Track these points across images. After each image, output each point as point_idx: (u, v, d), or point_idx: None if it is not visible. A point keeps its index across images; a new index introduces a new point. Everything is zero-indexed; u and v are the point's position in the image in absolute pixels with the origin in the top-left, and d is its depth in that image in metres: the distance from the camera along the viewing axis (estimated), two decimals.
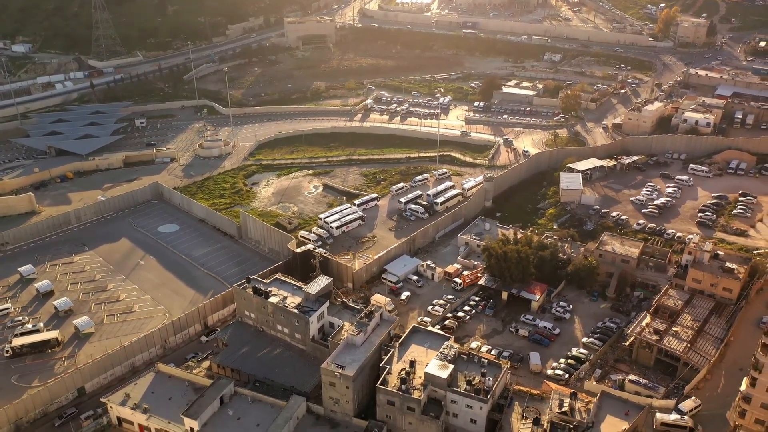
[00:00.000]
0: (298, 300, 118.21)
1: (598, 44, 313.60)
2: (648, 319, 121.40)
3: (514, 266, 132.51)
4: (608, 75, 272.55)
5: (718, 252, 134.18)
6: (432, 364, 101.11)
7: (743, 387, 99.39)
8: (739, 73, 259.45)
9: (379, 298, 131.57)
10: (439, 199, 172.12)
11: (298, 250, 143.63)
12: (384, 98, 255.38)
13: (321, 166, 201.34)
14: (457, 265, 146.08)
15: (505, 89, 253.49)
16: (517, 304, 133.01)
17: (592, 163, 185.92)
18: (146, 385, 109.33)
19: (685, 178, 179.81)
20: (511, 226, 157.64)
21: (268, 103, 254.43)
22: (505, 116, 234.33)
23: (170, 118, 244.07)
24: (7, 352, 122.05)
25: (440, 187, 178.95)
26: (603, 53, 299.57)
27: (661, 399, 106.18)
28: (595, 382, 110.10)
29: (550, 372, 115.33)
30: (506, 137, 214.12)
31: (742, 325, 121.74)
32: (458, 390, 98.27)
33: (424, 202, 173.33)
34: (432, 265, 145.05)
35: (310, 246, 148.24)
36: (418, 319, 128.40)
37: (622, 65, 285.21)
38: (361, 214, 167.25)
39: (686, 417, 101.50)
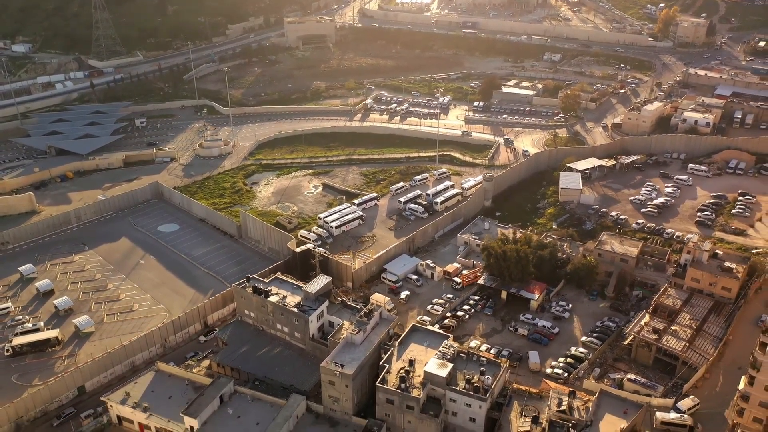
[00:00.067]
0: (297, 299, 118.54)
1: (597, 44, 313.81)
2: (647, 318, 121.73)
3: (513, 265, 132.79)
4: (608, 75, 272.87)
5: (717, 251, 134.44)
6: (431, 362, 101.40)
7: (741, 385, 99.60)
8: (739, 72, 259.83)
9: (378, 298, 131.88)
10: (439, 199, 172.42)
11: (298, 250, 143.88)
12: (384, 98, 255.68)
13: (321, 165, 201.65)
14: (456, 265, 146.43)
15: (504, 89, 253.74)
16: (516, 303, 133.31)
17: (592, 162, 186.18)
18: (146, 384, 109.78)
19: (684, 177, 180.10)
20: (510, 225, 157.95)
21: (268, 103, 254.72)
22: (504, 116, 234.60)
23: (170, 117, 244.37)
24: (8, 351, 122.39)
25: (440, 187, 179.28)
26: (603, 53, 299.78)
27: (659, 398, 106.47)
28: (594, 381, 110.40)
29: (549, 371, 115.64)
30: (507, 137, 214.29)
31: (740, 324, 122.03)
32: (457, 389, 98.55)
33: (424, 202, 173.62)
34: (431, 265, 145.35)
35: (309, 245, 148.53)
36: (418, 319, 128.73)
37: (622, 65, 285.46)
38: (361, 213, 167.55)
39: (686, 416, 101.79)
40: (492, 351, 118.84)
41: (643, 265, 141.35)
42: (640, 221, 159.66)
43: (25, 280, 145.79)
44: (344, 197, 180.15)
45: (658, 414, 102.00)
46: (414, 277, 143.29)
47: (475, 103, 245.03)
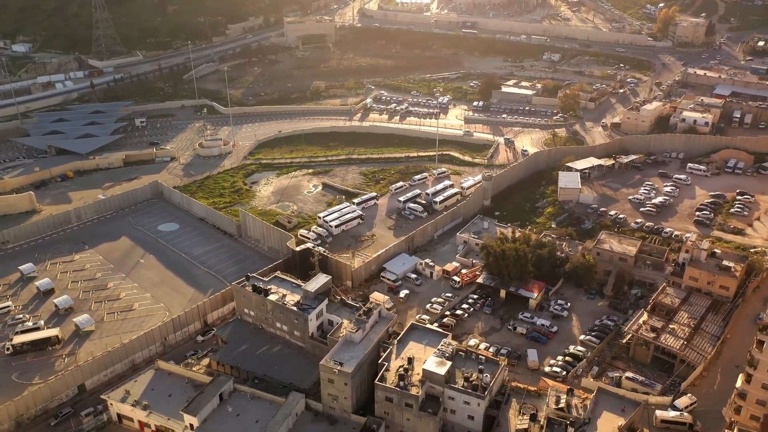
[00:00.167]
0: (297, 298, 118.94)
1: (597, 44, 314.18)
2: (645, 316, 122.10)
3: (512, 264, 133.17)
4: (607, 74, 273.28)
5: (715, 250, 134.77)
6: (430, 360, 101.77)
7: (739, 383, 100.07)
8: (738, 72, 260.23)
9: (377, 296, 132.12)
10: (438, 198, 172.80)
11: (298, 249, 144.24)
12: (383, 98, 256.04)
13: (320, 165, 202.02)
14: (455, 264, 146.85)
15: (504, 89, 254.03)
16: (515, 302, 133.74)
17: (591, 162, 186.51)
18: (146, 382, 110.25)
19: (683, 177, 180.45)
20: (509, 224, 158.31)
21: (268, 103, 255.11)
22: (504, 116, 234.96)
23: (170, 117, 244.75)
24: (8, 349, 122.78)
25: (439, 186, 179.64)
26: (602, 53, 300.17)
27: (657, 396, 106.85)
28: (592, 379, 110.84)
29: (547, 369, 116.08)
30: (507, 137, 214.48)
31: (738, 322, 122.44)
32: (456, 386, 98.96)
33: (423, 201, 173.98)
34: (431, 264, 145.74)
35: (309, 244, 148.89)
36: (417, 317, 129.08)
37: (621, 65, 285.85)
38: (360, 212, 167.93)
39: (686, 413, 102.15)
40: (491, 349, 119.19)
41: (642, 264, 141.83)
42: (639, 220, 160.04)
43: (25, 279, 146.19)
44: (344, 196, 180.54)
45: (658, 412, 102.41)
46: (413, 276, 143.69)
47: (475, 103, 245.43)
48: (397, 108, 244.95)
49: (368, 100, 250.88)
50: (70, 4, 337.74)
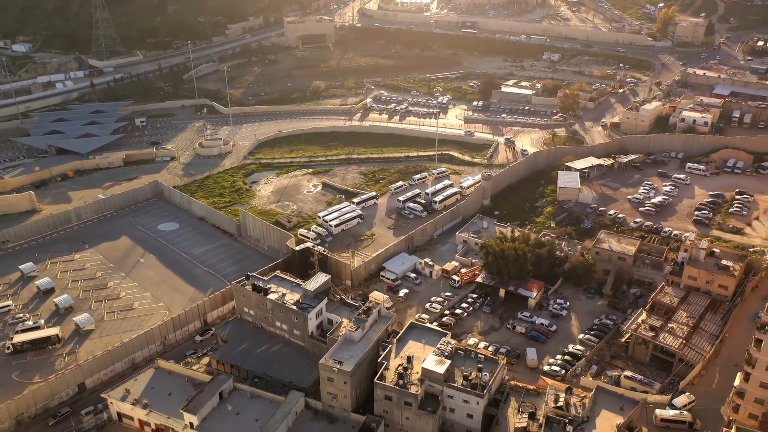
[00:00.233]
0: (296, 297, 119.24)
1: (596, 44, 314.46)
2: (644, 315, 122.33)
3: (511, 264, 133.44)
4: (607, 74, 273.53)
5: (714, 249, 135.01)
6: (429, 359, 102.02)
7: (737, 382, 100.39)
8: (737, 72, 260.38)
9: (377, 296, 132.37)
10: (438, 198, 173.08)
11: (297, 248, 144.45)
12: (383, 97, 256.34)
13: (320, 164, 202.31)
14: (455, 263, 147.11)
15: (503, 88, 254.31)
16: (514, 301, 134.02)
17: (590, 161, 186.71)
18: (146, 381, 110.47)
19: (682, 176, 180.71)
20: (508, 224, 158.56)
21: (268, 103, 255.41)
22: (503, 115, 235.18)
23: (170, 117, 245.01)
24: (8, 348, 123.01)
25: (439, 186, 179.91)
26: (602, 53, 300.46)
27: (656, 394, 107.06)
28: (591, 378, 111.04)
29: (546, 368, 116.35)
30: (508, 137, 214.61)
31: (737, 321, 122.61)
32: (455, 385, 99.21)
33: (423, 201, 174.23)
34: (430, 263, 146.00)
35: (309, 244, 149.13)
36: (416, 316, 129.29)
37: (621, 65, 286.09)
38: (360, 212, 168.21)
39: (685, 412, 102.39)
40: (490, 348, 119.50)
41: (641, 263, 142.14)
42: (638, 220, 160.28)
43: (25, 279, 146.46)
44: (343, 196, 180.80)
45: (658, 411, 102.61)
46: (413, 275, 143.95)
47: (474, 103, 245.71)
48: (397, 108, 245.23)
49: (368, 100, 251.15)
50: (70, 4, 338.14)
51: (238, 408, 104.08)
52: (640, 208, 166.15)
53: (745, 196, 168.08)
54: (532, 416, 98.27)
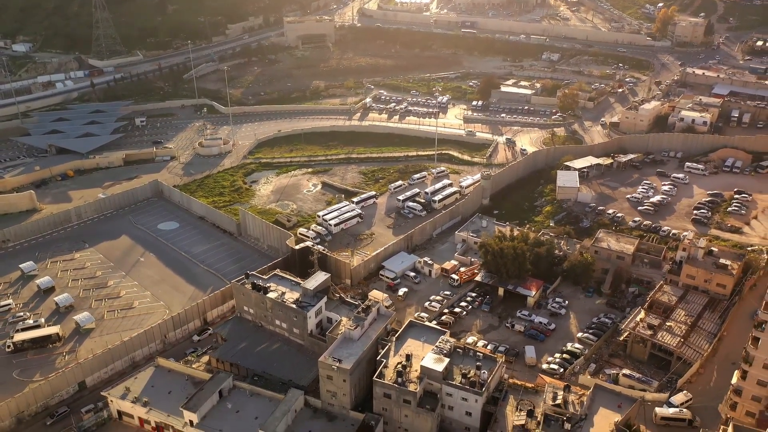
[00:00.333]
0: (296, 295, 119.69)
1: (596, 43, 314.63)
2: (642, 314, 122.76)
3: (510, 263, 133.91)
4: (606, 74, 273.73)
5: (713, 248, 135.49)
6: (428, 357, 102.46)
7: (734, 380, 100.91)
8: (736, 72, 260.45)
9: (376, 294, 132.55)
10: (437, 197, 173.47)
11: (297, 247, 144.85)
12: (383, 97, 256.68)
13: (320, 164, 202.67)
14: (454, 262, 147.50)
15: (503, 88, 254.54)
16: (513, 300, 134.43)
17: (589, 161, 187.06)
18: (146, 379, 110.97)
19: (681, 176, 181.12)
20: (508, 223, 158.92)
21: (268, 102, 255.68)
22: (503, 115, 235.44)
23: (170, 116, 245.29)
24: (9, 347, 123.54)
25: (438, 185, 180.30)
26: (601, 52, 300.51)
27: (654, 392, 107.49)
28: (589, 377, 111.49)
29: (545, 366, 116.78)
30: (509, 137, 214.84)
31: (735, 320, 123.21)
32: (454, 383, 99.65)
33: (422, 200, 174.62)
34: (429, 262, 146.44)
35: (308, 243, 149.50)
36: (415, 315, 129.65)
37: (620, 64, 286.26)
38: (360, 211, 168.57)
39: (685, 410, 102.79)
40: (488, 347, 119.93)
41: (639, 262, 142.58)
42: (637, 219, 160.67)
43: (26, 278, 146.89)
44: (343, 195, 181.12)
45: (657, 409, 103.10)
46: (412, 274, 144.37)
47: (474, 103, 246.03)
48: (397, 107, 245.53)
49: (368, 100, 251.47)
50: (70, 3, 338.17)
51: (238, 406, 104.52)
52: (639, 208, 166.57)
53: (743, 195, 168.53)
54: (530, 414, 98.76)
